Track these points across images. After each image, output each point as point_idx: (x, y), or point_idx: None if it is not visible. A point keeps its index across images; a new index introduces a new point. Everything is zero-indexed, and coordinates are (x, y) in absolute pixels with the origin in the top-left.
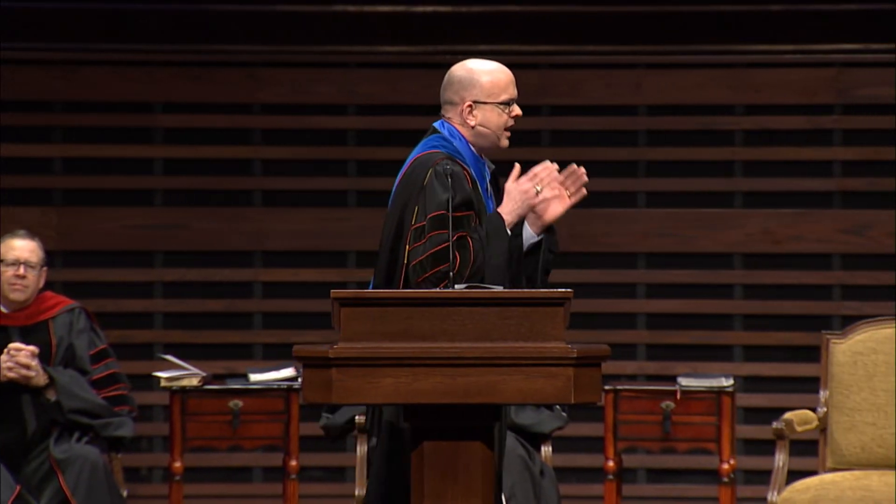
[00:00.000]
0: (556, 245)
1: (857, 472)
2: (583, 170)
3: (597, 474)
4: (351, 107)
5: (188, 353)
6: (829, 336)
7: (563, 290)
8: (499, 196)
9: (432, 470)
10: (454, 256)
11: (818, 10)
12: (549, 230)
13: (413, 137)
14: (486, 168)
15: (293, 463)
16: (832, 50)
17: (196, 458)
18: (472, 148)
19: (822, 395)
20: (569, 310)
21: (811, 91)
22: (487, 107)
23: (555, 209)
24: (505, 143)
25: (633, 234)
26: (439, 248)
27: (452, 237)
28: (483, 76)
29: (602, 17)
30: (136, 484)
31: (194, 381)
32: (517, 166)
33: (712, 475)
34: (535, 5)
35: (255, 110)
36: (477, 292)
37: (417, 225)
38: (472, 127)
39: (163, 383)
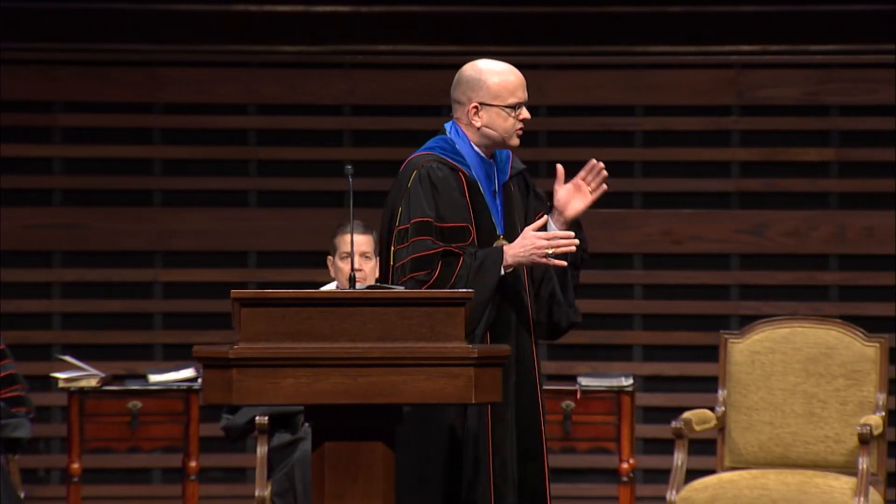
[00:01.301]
0: (585, 241)
1: (754, 471)
2: (601, 165)
3: None
4: (251, 106)
5: (87, 353)
6: (727, 336)
7: (464, 290)
8: (523, 195)
9: (333, 470)
10: (437, 267)
11: (717, 11)
12: (576, 226)
13: (313, 137)
14: (509, 168)
15: (193, 464)
16: (731, 51)
17: (94, 460)
18: (477, 149)
19: (721, 394)
20: (469, 310)
21: (710, 92)
22: (494, 109)
23: (575, 206)
24: (515, 142)
25: None
26: (421, 254)
27: (440, 249)
28: (491, 77)
29: (503, 18)
30: (33, 485)
31: (93, 382)
32: (560, 168)
33: (612, 474)
34: (436, 6)
35: (156, 109)
36: (378, 292)
37: (401, 227)
38: (478, 128)
39: (61, 384)
